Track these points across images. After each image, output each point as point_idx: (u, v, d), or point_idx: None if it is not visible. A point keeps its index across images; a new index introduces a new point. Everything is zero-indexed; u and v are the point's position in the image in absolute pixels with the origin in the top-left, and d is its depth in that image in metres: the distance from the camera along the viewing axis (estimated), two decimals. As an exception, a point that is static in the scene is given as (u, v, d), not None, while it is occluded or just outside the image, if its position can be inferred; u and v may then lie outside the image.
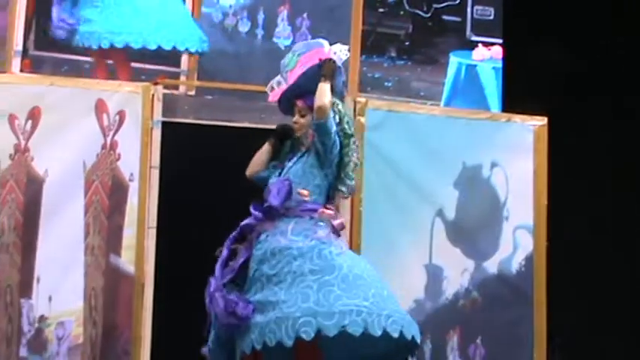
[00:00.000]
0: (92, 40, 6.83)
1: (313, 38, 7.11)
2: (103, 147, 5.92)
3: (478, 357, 6.32)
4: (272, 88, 5.39)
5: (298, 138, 5.34)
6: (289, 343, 4.76)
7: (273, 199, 5.12)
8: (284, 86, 5.33)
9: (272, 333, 4.79)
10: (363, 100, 6.30)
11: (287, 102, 5.34)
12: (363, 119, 6.17)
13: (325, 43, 5.35)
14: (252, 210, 5.17)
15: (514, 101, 7.34)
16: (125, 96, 5.91)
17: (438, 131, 6.36)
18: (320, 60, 5.25)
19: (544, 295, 6.41)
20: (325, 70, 5.18)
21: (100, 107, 5.95)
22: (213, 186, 6.39)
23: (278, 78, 5.36)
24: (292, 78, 5.31)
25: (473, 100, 7.75)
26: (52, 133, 5.86)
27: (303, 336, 4.73)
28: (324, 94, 5.13)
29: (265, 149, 5.39)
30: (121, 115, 5.95)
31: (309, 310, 4.76)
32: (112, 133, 5.93)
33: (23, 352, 5.76)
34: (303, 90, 5.27)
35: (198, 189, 6.51)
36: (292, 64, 5.33)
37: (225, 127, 6.69)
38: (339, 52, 5.34)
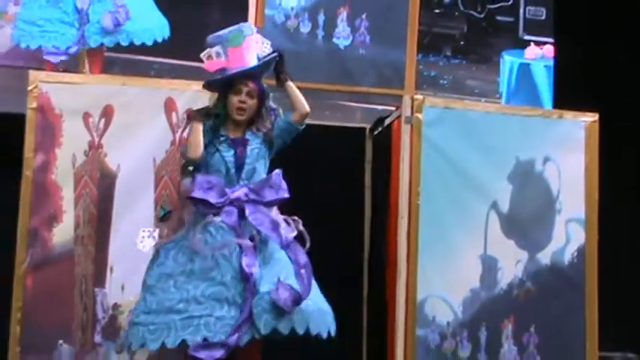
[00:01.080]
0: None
1: (372, 39, 7.29)
2: (172, 143, 5.99)
3: (532, 345, 6.32)
4: (209, 56, 5.36)
5: (250, 121, 5.37)
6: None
7: (285, 193, 5.27)
8: (223, 60, 5.31)
9: None
10: (420, 97, 6.33)
11: (229, 79, 5.33)
12: (420, 116, 6.23)
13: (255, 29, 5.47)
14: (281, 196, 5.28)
15: (566, 98, 7.39)
16: (193, 94, 5.94)
17: (493, 127, 6.38)
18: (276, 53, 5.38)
19: (595, 286, 6.40)
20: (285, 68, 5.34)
21: (169, 105, 6.02)
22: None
23: (217, 49, 5.34)
24: (238, 56, 5.32)
25: (526, 97, 7.83)
26: (123, 130, 5.94)
27: None
28: (302, 97, 5.34)
29: (200, 130, 5.31)
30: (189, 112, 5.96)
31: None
32: (180, 130, 5.99)
33: (97, 338, 5.85)
34: (257, 73, 5.36)
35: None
36: (237, 42, 5.35)
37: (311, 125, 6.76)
38: (260, 44, 5.43)
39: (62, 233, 5.88)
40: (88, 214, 5.93)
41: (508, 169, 6.40)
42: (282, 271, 5.17)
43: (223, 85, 5.39)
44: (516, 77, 7.98)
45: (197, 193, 5.20)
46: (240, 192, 5.26)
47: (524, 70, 7.97)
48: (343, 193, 6.89)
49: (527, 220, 6.43)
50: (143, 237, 5.92)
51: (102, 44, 6.80)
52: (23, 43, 6.85)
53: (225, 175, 5.28)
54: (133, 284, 5.67)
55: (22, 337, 5.78)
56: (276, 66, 5.42)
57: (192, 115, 5.41)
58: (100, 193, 5.95)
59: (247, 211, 5.22)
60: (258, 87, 5.36)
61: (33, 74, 5.98)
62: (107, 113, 5.96)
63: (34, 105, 5.88)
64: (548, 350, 6.35)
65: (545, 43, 7.91)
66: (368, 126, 7.01)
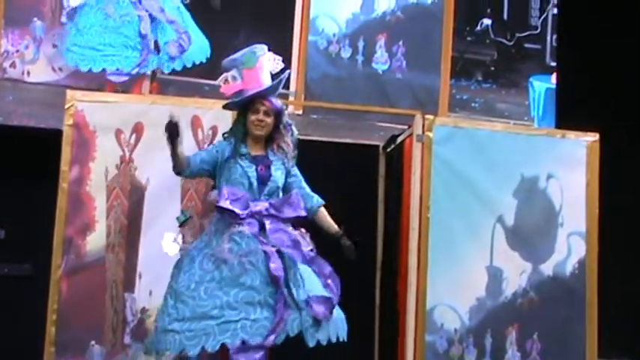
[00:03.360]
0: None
1: (408, 64, 7.44)
2: None
3: (535, 351, 6.37)
4: (226, 81, 5.46)
5: (262, 139, 5.43)
6: None
7: (302, 212, 5.39)
8: (239, 82, 5.39)
9: None
10: (431, 117, 6.40)
11: (247, 99, 5.39)
12: (431, 134, 6.30)
13: (266, 48, 5.49)
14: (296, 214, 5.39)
15: (568, 118, 7.47)
16: (217, 112, 5.98)
17: (500, 146, 6.45)
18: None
19: (595, 296, 6.45)
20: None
21: (195, 123, 6.14)
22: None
23: (233, 72, 5.43)
24: (253, 77, 5.39)
25: (552, 119, 7.99)
26: (152, 145, 6.01)
27: None
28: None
29: (172, 149, 5.23)
30: (214, 130, 6.12)
31: None
32: (205, 145, 6.05)
33: (127, 339, 5.98)
34: (272, 92, 5.44)
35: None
36: (251, 64, 5.42)
37: (329, 142, 6.85)
38: (272, 62, 5.49)
39: (95, 241, 6.02)
40: (119, 224, 6.07)
41: (514, 185, 6.47)
42: (311, 286, 5.31)
43: (242, 105, 5.49)
44: (544, 101, 8.11)
45: (224, 203, 5.30)
46: (261, 206, 5.36)
47: (551, 94, 8.11)
48: (358, 206, 6.96)
49: (531, 233, 6.50)
50: (168, 241, 6.04)
51: (173, 70, 7.07)
52: (84, 67, 7.08)
53: (248, 188, 5.37)
54: (160, 290, 5.67)
55: (56, 338, 5.91)
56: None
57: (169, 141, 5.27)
58: (131, 204, 6.08)
59: (268, 227, 5.33)
60: (273, 106, 5.44)
61: (70, 93, 6.14)
62: (137, 130, 6.10)
63: (71, 122, 6.04)
64: (550, 356, 6.41)
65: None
66: (381, 144, 7.08)
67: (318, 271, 5.35)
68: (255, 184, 5.38)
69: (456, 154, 6.38)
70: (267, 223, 5.33)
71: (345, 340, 5.40)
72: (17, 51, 7.43)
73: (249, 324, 5.13)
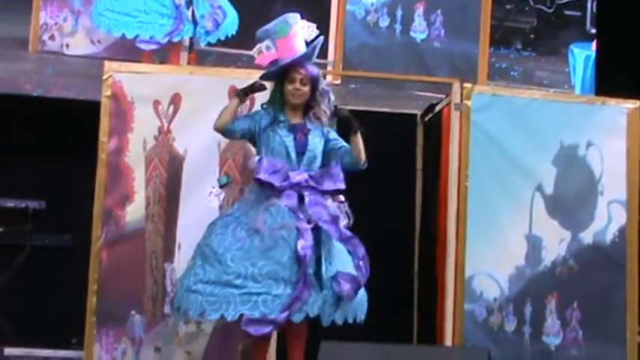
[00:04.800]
0: None
1: (446, 32, 7.39)
2: None
3: (574, 320, 6.32)
4: (260, 52, 5.35)
5: (301, 107, 5.38)
6: None
7: (342, 184, 5.32)
8: (273, 52, 5.32)
9: None
10: (469, 85, 6.35)
11: (283, 69, 5.32)
12: (469, 102, 6.26)
13: (298, 16, 5.42)
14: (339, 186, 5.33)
15: (608, 85, 7.38)
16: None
17: (538, 114, 6.38)
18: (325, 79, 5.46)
19: (636, 264, 6.38)
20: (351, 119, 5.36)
21: (232, 93, 5.97)
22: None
23: (267, 43, 5.33)
24: (287, 46, 5.32)
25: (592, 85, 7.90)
26: (190, 116, 6.02)
27: None
28: (362, 150, 5.37)
29: (232, 105, 5.38)
30: (252, 100, 5.97)
31: None
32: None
33: (167, 309, 5.94)
34: (307, 59, 5.37)
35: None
36: (285, 33, 5.34)
37: (367, 111, 6.76)
38: (306, 29, 5.39)
39: (134, 212, 6.01)
40: (158, 195, 6.05)
41: (553, 153, 6.41)
42: (341, 264, 5.27)
43: (278, 74, 5.43)
44: (583, 68, 8.03)
45: (263, 176, 5.25)
46: (301, 177, 5.31)
47: (591, 61, 8.04)
48: (396, 175, 6.95)
49: (571, 201, 6.44)
50: (211, 192, 6.00)
51: (208, 43, 7.09)
52: (117, 32, 7.10)
53: (286, 157, 5.32)
54: None
55: (97, 308, 5.93)
56: (348, 120, 5.43)
57: (235, 92, 5.47)
58: (169, 174, 6.05)
59: (307, 200, 5.27)
60: (309, 73, 5.37)
61: (107, 64, 6.11)
62: (175, 101, 6.06)
63: (108, 93, 6.02)
64: (590, 324, 6.35)
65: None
66: (419, 113, 7.03)
67: (352, 251, 5.30)
68: (292, 153, 5.34)
69: (495, 122, 6.32)
70: (306, 195, 5.28)
71: (363, 320, 5.36)
72: (56, 24, 7.49)
73: (270, 299, 5.09)
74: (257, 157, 5.37)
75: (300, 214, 5.25)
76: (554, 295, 6.36)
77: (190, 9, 7.14)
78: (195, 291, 5.18)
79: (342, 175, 5.34)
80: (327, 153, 5.45)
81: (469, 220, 6.21)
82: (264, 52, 5.35)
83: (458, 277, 6.20)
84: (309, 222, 5.24)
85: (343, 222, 5.30)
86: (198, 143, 6.04)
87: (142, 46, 7.11)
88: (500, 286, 6.30)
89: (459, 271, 6.21)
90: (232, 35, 7.39)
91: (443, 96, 6.59)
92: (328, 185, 5.33)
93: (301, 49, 5.39)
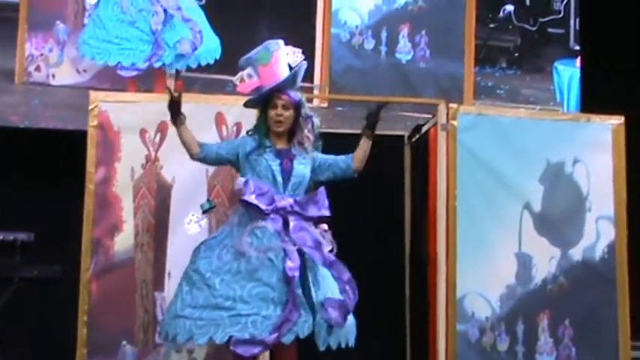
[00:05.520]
0: None
1: (431, 53, 7.40)
2: None
3: (567, 337, 6.31)
4: (242, 79, 5.36)
5: (285, 134, 5.36)
6: None
7: (326, 211, 5.30)
8: (255, 80, 5.31)
9: None
10: (455, 105, 6.36)
11: (265, 95, 5.32)
12: (455, 122, 6.26)
13: (281, 42, 5.41)
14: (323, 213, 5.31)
15: (593, 102, 7.39)
16: (241, 109, 5.81)
17: (524, 132, 6.39)
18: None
19: (626, 279, 6.38)
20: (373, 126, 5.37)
21: (219, 119, 6.10)
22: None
23: (248, 71, 5.33)
24: (269, 73, 5.30)
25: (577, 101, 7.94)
26: (177, 144, 5.74)
27: None
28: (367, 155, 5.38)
29: (182, 130, 5.34)
30: (238, 126, 6.08)
31: None
32: None
33: (158, 339, 5.87)
34: (288, 85, 5.35)
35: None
36: (266, 60, 5.32)
37: (354, 134, 6.81)
38: (291, 55, 5.42)
39: (123, 241, 5.99)
40: (147, 223, 6.03)
41: (539, 171, 6.41)
42: (328, 290, 5.24)
43: (261, 101, 5.42)
44: (568, 85, 8.04)
45: (249, 198, 5.23)
46: (286, 202, 5.28)
47: (576, 78, 8.06)
48: (384, 197, 6.93)
49: (559, 218, 6.44)
50: (191, 220, 5.99)
51: (176, 69, 7.03)
52: (100, 60, 7.11)
53: (272, 182, 5.30)
54: None
55: (88, 339, 5.88)
56: (370, 119, 5.44)
57: (172, 122, 5.40)
58: (157, 203, 6.05)
59: (291, 225, 5.25)
60: (291, 98, 5.36)
61: (93, 94, 6.11)
62: (162, 129, 6.04)
63: (95, 123, 6.02)
64: (582, 341, 6.34)
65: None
66: (406, 133, 7.03)
67: (337, 276, 5.26)
68: (279, 178, 5.31)
69: (481, 141, 6.33)
70: (291, 220, 5.26)
71: (353, 346, 5.31)
72: (41, 54, 7.46)
73: (260, 320, 5.06)
74: (243, 179, 5.34)
75: (285, 237, 5.23)
76: (546, 312, 6.34)
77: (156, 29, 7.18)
78: (183, 316, 5.15)
79: (326, 202, 5.33)
80: (319, 171, 5.43)
81: (458, 241, 6.20)
82: (246, 80, 5.36)
83: (449, 298, 6.18)
84: (294, 245, 5.21)
85: (327, 248, 5.27)
86: (186, 171, 6.00)
87: (123, 73, 7.13)
88: (491, 305, 6.28)
89: (450, 291, 6.19)
90: (215, 61, 7.37)
91: (429, 116, 6.59)
92: (312, 211, 5.31)
93: (283, 75, 5.38)
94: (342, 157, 5.48)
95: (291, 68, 5.42)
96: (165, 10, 7.27)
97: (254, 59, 5.36)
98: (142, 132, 6.05)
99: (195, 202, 5.95)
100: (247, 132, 5.53)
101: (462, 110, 6.39)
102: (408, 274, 6.92)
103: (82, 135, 6.12)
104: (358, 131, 5.56)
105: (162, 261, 6.01)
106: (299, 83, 5.50)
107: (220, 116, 6.13)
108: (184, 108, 5.84)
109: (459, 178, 6.23)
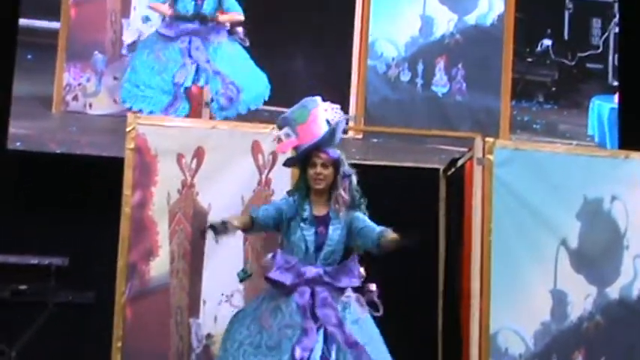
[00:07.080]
0: None
1: (468, 86, 7.39)
2: (259, 183, 6.04)
3: None
4: (279, 140, 5.35)
5: (326, 192, 5.30)
6: None
7: (357, 281, 5.25)
8: (294, 139, 5.26)
9: None
10: (491, 139, 6.31)
11: (303, 154, 5.28)
12: (491, 157, 6.20)
13: (319, 99, 5.35)
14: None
15: (631, 138, 7.34)
16: None
17: (561, 167, 6.33)
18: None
19: None
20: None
21: (255, 148, 6.06)
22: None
23: (285, 130, 5.29)
24: (307, 132, 5.24)
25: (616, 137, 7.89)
26: (214, 170, 5.99)
27: None
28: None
29: (238, 225, 5.21)
30: (274, 155, 6.03)
31: None
32: (266, 171, 6.03)
33: None
34: (327, 143, 5.28)
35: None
36: (304, 118, 5.27)
37: (389, 166, 6.81)
38: (330, 111, 5.31)
39: (158, 267, 5.94)
40: (182, 249, 5.98)
41: (577, 207, 6.34)
42: None
43: (300, 160, 5.37)
44: (608, 121, 8.01)
45: (274, 274, 5.20)
46: (315, 273, 5.23)
47: (615, 114, 8.03)
48: (419, 231, 6.86)
49: (596, 255, 6.37)
50: (221, 301, 5.95)
51: (226, 118, 7.12)
52: (128, 103, 7.22)
53: (304, 252, 5.25)
54: (225, 316, 5.66)
55: (122, 366, 5.81)
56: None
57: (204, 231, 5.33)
58: (193, 229, 5.98)
59: (318, 299, 5.19)
60: (329, 156, 5.28)
61: (131, 117, 6.10)
62: (199, 154, 6.02)
63: (132, 145, 5.98)
64: (617, 381, 6.24)
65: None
66: (442, 167, 6.98)
67: (356, 357, 5.16)
68: (311, 248, 5.26)
69: (518, 176, 6.26)
70: (319, 292, 5.21)
71: None
72: (79, 84, 7.48)
73: None
74: (270, 255, 5.30)
75: (308, 314, 5.17)
76: (581, 351, 6.28)
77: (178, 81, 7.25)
78: None
79: (357, 271, 5.28)
80: (350, 237, 5.35)
81: (493, 276, 6.12)
82: (284, 140, 5.32)
83: (482, 334, 6.10)
84: (316, 322, 5.16)
85: (364, 313, 5.21)
86: (222, 197, 5.99)
87: None
88: (525, 342, 6.20)
89: (484, 327, 6.11)
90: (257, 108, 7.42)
91: (465, 149, 6.53)
92: (344, 282, 5.26)
93: (321, 133, 5.30)
94: (374, 235, 5.30)
95: (329, 124, 5.34)
96: (197, 64, 7.32)
97: (291, 118, 5.31)
98: (179, 157, 6.02)
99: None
100: (287, 192, 5.46)
101: (499, 144, 6.34)
102: (441, 308, 6.85)
103: (118, 161, 6.09)
104: (393, 162, 5.50)
105: (198, 288, 5.96)
106: (338, 139, 5.42)
107: (256, 145, 6.10)
108: (222, 135, 5.90)
109: (494, 213, 6.16)
